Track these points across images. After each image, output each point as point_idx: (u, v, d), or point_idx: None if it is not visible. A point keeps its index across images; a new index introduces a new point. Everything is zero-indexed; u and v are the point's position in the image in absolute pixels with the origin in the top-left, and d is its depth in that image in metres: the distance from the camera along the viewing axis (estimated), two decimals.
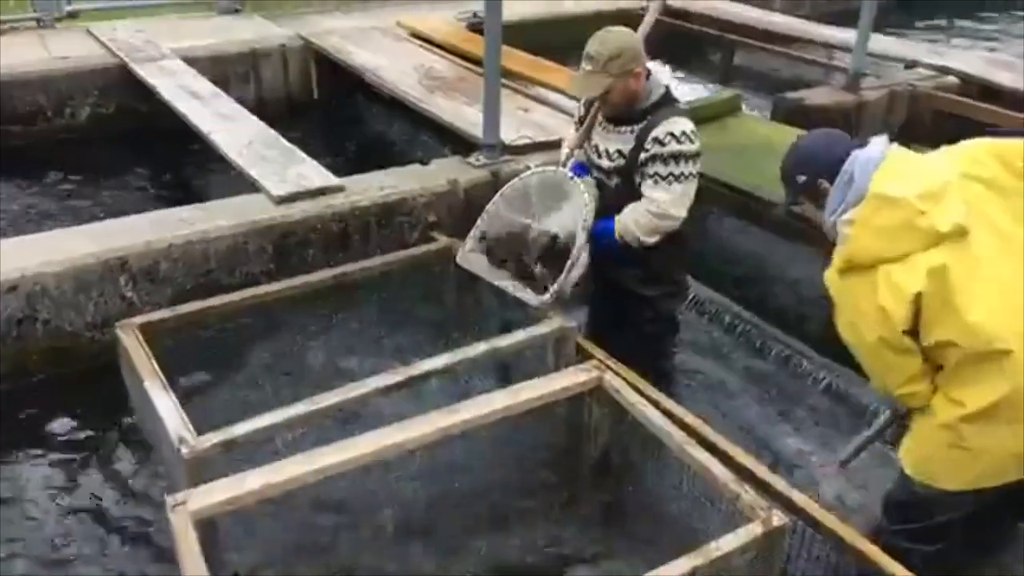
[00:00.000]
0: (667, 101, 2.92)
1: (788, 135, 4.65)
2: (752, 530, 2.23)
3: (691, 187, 2.90)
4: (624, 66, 2.81)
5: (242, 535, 2.61)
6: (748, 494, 2.33)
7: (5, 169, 5.11)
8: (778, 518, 2.26)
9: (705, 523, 2.62)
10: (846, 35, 6.60)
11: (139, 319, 3.02)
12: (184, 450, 2.41)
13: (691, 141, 2.85)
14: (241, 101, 5.24)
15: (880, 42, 6.39)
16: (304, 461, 2.36)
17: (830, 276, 2.24)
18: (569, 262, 2.93)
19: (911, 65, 6.20)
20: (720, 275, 4.04)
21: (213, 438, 2.46)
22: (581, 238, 2.92)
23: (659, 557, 2.19)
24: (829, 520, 2.33)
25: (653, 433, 2.63)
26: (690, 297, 3.91)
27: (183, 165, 5.25)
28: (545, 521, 2.85)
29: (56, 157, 5.32)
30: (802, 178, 2.31)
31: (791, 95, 5.46)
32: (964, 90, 5.88)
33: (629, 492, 2.91)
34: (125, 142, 5.51)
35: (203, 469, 2.44)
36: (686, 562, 2.13)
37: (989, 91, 5.82)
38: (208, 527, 2.24)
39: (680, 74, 6.51)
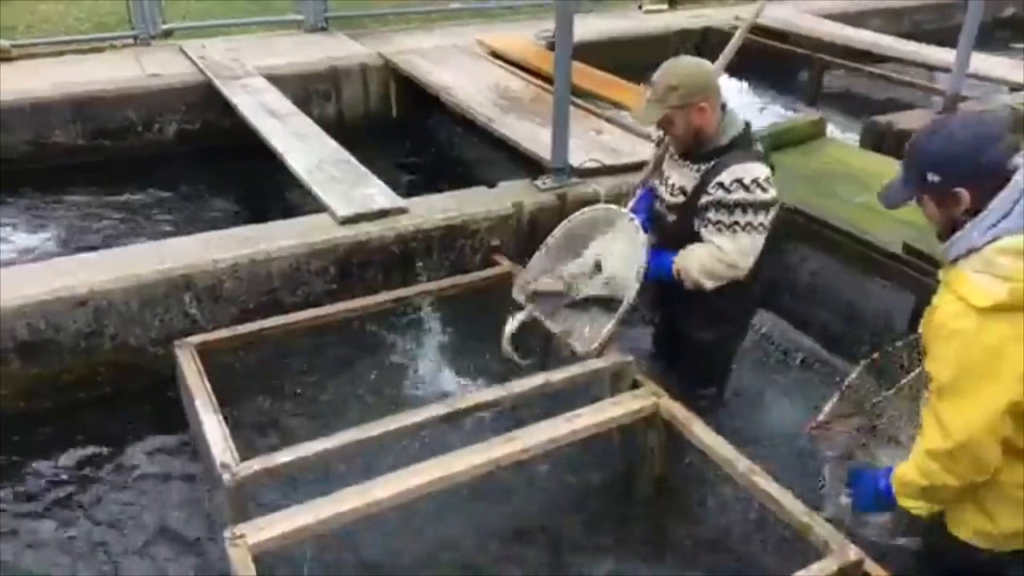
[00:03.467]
0: (742, 143, 2.71)
1: (872, 162, 4.52)
2: (826, 566, 2.12)
3: (758, 239, 2.68)
4: (684, 99, 2.65)
5: (300, 568, 2.60)
6: (821, 527, 2.21)
7: (93, 182, 5.32)
8: (854, 552, 2.14)
9: (774, 557, 2.55)
10: (946, 55, 6.26)
11: (196, 338, 3.06)
12: (226, 476, 2.41)
13: (762, 190, 2.63)
14: (321, 119, 5.33)
15: (983, 63, 6.04)
16: (359, 493, 2.34)
17: (957, 312, 1.88)
18: (616, 315, 2.85)
19: (1017, 88, 5.82)
20: (793, 308, 3.85)
21: (255, 465, 2.45)
22: (634, 289, 2.81)
23: None
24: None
25: (714, 461, 2.56)
26: (761, 330, 3.74)
27: (262, 182, 5.33)
28: (600, 552, 2.76)
29: (142, 171, 5.50)
30: (935, 178, 1.94)
31: (881, 119, 5.18)
32: None
33: (689, 522, 2.83)
34: (209, 158, 5.66)
35: (245, 496, 2.45)
36: None
37: None
38: (267, 561, 2.23)
39: (764, 97, 6.27)
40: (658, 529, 2.84)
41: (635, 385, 2.93)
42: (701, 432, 2.61)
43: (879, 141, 4.96)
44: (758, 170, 2.65)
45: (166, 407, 3.26)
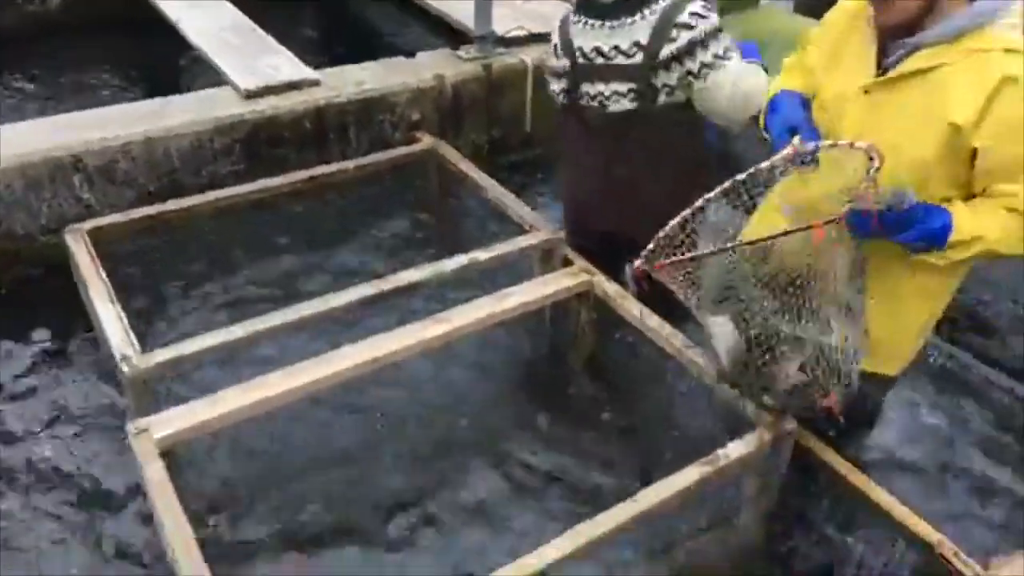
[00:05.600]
0: None
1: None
2: (760, 436, 2.09)
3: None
4: None
5: (212, 460, 2.47)
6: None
7: None
8: (787, 422, 2.10)
9: (708, 427, 2.53)
10: None
11: (89, 224, 2.77)
12: (126, 368, 2.20)
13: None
14: None
15: None
16: (278, 380, 2.15)
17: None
18: None
19: None
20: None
21: (159, 356, 2.25)
22: None
23: (660, 462, 2.12)
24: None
25: (649, 337, 2.47)
26: None
27: (157, 57, 4.91)
28: (536, 430, 2.69)
29: (23, 47, 5.01)
30: None
31: None
32: None
33: (624, 397, 2.80)
34: (98, 32, 5.18)
35: (148, 388, 2.25)
36: (695, 471, 1.99)
37: None
38: (175, 453, 2.05)
39: None
40: (592, 405, 2.78)
41: (567, 264, 2.80)
42: (636, 309, 2.51)
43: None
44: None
45: (63, 298, 3.00)
